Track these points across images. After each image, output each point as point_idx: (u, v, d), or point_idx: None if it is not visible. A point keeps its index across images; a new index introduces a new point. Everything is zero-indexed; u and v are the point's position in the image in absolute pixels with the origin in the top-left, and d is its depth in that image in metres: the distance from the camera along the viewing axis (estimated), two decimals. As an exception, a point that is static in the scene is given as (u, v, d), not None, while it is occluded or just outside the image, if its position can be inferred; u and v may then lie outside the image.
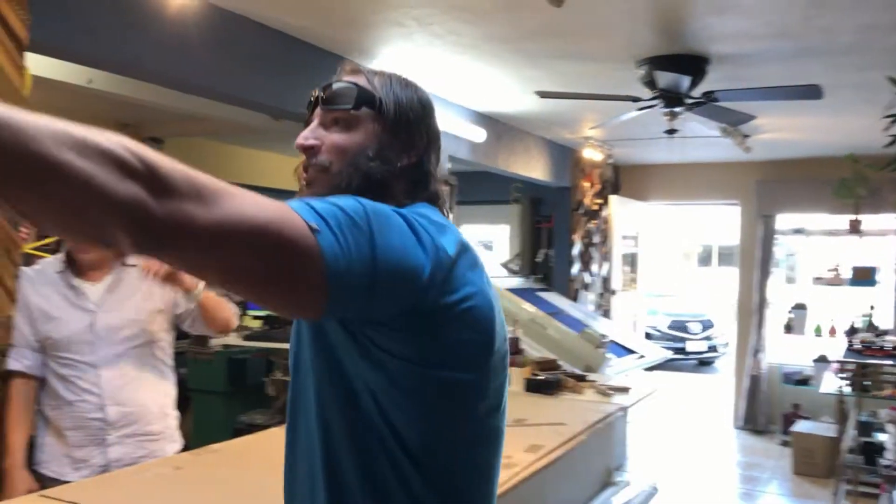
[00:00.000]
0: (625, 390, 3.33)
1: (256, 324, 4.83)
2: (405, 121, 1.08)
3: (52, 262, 2.37)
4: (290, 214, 0.83)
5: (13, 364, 2.25)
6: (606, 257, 7.40)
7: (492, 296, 1.04)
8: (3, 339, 2.26)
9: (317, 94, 1.12)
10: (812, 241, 7.43)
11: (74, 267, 2.32)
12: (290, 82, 3.70)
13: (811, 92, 3.62)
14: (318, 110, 1.11)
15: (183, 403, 5.40)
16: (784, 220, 7.31)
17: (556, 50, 3.82)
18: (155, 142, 5.96)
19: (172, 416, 2.44)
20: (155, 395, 2.35)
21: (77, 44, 2.73)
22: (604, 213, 7.31)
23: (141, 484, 2.00)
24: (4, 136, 0.63)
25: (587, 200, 7.10)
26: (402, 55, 3.99)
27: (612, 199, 7.40)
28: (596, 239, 7.22)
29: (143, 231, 0.72)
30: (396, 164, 1.06)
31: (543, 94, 4.27)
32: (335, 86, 1.10)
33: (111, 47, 2.84)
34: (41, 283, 2.30)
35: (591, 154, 6.78)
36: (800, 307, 7.22)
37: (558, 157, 6.82)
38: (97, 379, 2.22)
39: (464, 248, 1.00)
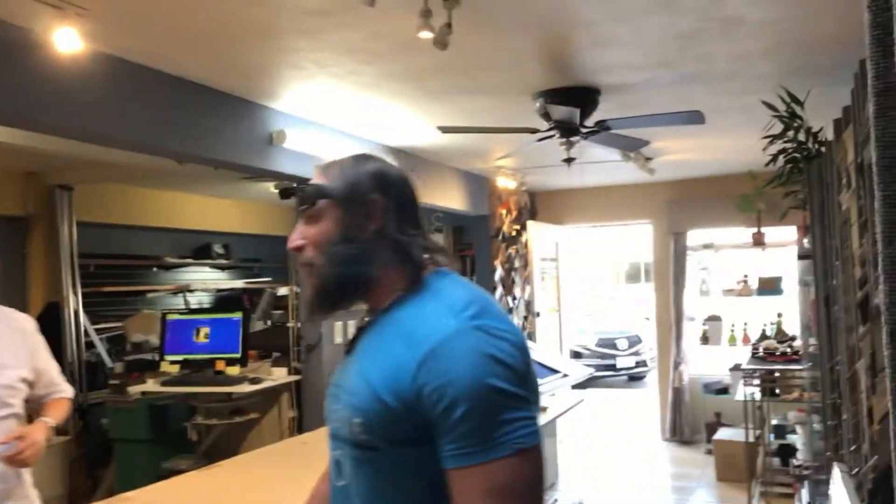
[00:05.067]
0: (543, 409, 3.43)
1: (174, 369, 4.77)
2: (358, 195, 1.17)
3: None
4: None
5: None
6: (528, 281, 7.56)
7: None
8: None
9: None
10: (721, 255, 7.75)
11: None
12: (194, 127, 3.72)
13: (694, 117, 3.84)
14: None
15: (105, 454, 5.31)
16: (694, 236, 7.63)
17: (455, 86, 3.95)
18: (64, 189, 5.86)
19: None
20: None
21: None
22: (523, 238, 7.49)
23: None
24: None
25: (505, 227, 7.27)
26: (305, 96, 4.06)
27: (530, 224, 7.60)
28: (517, 263, 7.39)
29: None
30: (361, 237, 1.15)
31: (445, 130, 4.39)
32: (302, 189, 1.22)
33: (8, 103, 2.83)
34: None
35: (505, 182, 6.96)
36: (714, 318, 7.50)
37: (474, 186, 6.98)
38: None
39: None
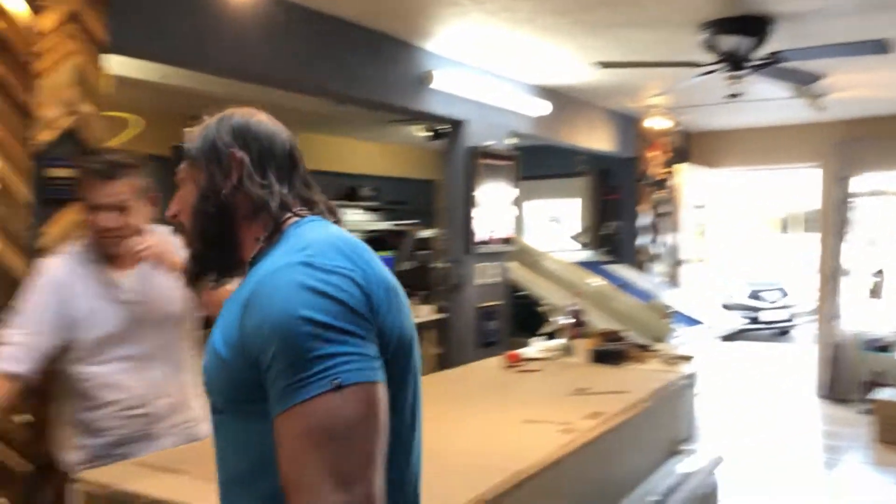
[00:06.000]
0: (687, 359, 3.33)
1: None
2: (213, 151, 1.14)
3: (72, 256, 2.09)
4: None
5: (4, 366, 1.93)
6: (675, 227, 7.29)
7: None
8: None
9: None
10: (893, 201, 7.13)
11: (103, 259, 2.09)
12: (352, 67, 3.80)
13: (877, 47, 3.50)
14: None
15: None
16: (861, 182, 7.03)
17: (616, 18, 3.79)
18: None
19: (202, 398, 2.28)
20: (191, 379, 2.23)
21: (150, 44, 2.89)
22: (672, 182, 7.20)
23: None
24: None
25: (653, 170, 7.00)
26: (457, 35, 4.04)
27: (681, 167, 7.28)
28: (664, 209, 7.12)
29: None
30: (220, 194, 1.12)
31: (605, 65, 4.25)
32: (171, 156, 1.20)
33: (181, 45, 3.00)
34: (67, 281, 2.04)
35: (656, 122, 6.67)
36: (882, 272, 6.97)
37: (623, 127, 6.75)
38: (139, 373, 2.09)
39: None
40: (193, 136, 1.18)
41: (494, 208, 5.09)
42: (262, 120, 1.19)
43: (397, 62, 4.11)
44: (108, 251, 2.07)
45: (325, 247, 1.02)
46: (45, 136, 2.32)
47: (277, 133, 1.19)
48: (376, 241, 7.86)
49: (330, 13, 3.62)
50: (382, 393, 0.96)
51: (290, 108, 5.38)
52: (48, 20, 2.33)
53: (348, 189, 7.97)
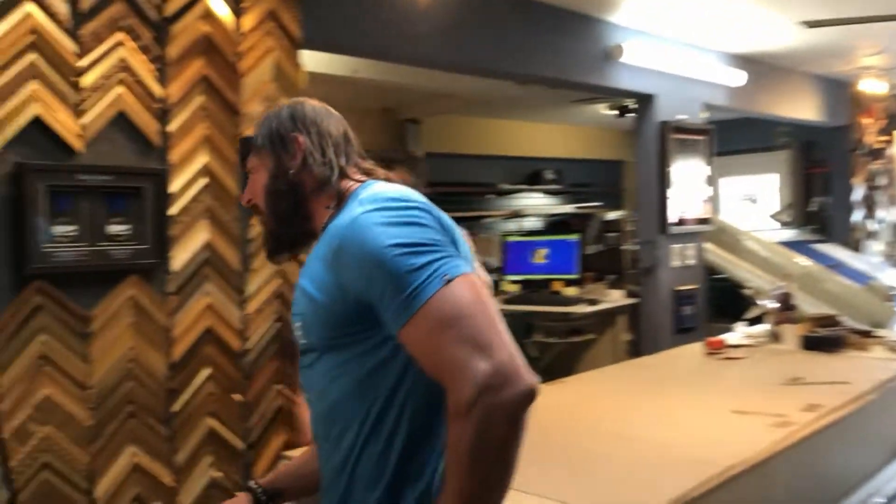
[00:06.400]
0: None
1: (514, 287, 4.97)
2: (277, 138, 1.30)
3: None
4: None
5: None
6: (893, 201, 6.55)
7: None
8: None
9: None
10: None
11: None
12: (533, 46, 3.74)
13: None
14: None
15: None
16: None
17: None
18: (413, 122, 6.35)
19: None
20: None
21: (343, 37, 2.99)
22: (890, 151, 6.47)
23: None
24: None
25: (869, 138, 6.33)
26: (644, 4, 3.84)
27: (901, 134, 6.52)
28: (881, 181, 6.42)
29: None
30: (288, 174, 1.27)
31: (812, 24, 3.87)
32: (238, 149, 1.42)
33: (372, 37, 3.08)
34: None
35: (871, 85, 6.01)
36: None
37: (831, 92, 6.14)
38: None
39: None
40: (258, 128, 1.33)
41: (688, 187, 4.82)
42: (315, 106, 1.34)
43: (581, 38, 3.99)
44: None
45: (389, 193, 1.16)
46: (250, 131, 2.47)
47: (331, 115, 1.34)
48: (560, 224, 7.74)
49: (511, -7, 3.58)
50: (479, 282, 1.08)
51: (475, 95, 5.41)
52: (249, 20, 2.46)
53: (531, 173, 7.92)
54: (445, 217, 1.17)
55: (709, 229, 5.07)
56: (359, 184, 1.26)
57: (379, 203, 1.13)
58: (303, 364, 1.26)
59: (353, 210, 1.15)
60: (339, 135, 1.32)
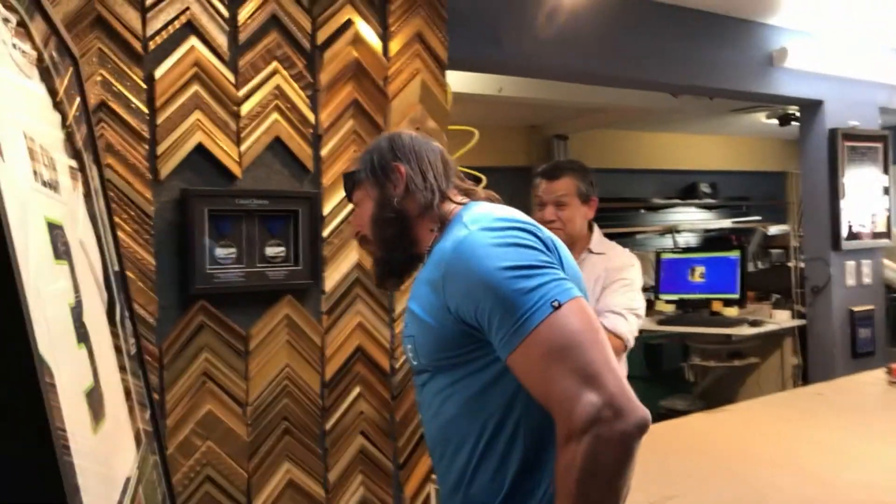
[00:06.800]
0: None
1: (669, 308, 4.75)
2: (380, 168, 1.35)
3: None
4: None
5: None
6: None
7: None
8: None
9: None
10: None
11: None
12: (687, 55, 3.56)
13: None
14: None
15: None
16: None
17: None
18: (560, 138, 6.26)
19: None
20: None
21: (487, 55, 2.97)
22: None
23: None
24: None
25: None
26: (812, 2, 3.57)
27: None
28: None
29: None
30: (393, 202, 1.32)
31: None
32: (344, 185, 1.47)
33: (517, 53, 3.03)
34: None
35: None
36: None
37: None
38: None
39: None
40: (359, 163, 1.40)
41: (861, 198, 4.42)
42: (413, 134, 1.39)
43: (741, 43, 3.77)
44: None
45: (494, 214, 1.18)
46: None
47: (428, 142, 1.39)
48: (718, 240, 7.38)
49: (662, 1, 3.43)
50: (588, 307, 1.08)
51: (625, 108, 5.26)
52: (396, 43, 2.49)
53: (686, 186, 7.59)
54: (550, 236, 1.18)
55: (888, 244, 4.62)
56: (460, 206, 1.30)
57: (483, 223, 1.15)
58: (416, 384, 1.31)
59: (457, 233, 1.17)
60: (438, 160, 1.37)
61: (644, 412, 1.00)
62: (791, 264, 4.87)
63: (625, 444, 0.98)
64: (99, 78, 1.97)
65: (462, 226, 1.18)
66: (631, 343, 2.27)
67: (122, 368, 1.34)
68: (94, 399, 0.98)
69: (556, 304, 1.03)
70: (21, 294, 0.62)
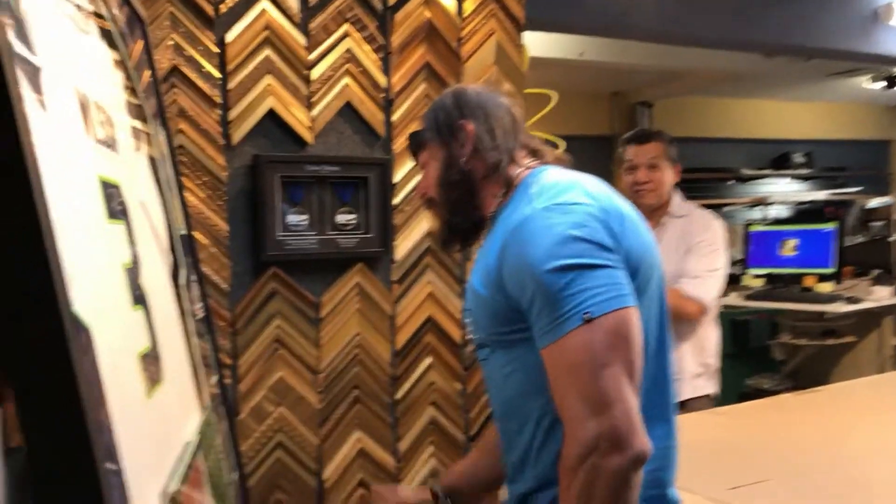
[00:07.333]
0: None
1: (758, 282, 4.54)
2: (446, 127, 1.28)
3: None
4: None
5: None
6: None
7: None
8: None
9: None
10: None
11: None
12: (782, 11, 3.36)
13: None
14: None
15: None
16: None
17: None
18: (645, 105, 6.05)
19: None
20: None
21: (568, 16, 2.85)
22: None
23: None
24: None
25: None
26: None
27: None
28: None
29: None
30: (460, 162, 1.26)
31: None
32: (408, 145, 1.41)
33: (599, 14, 2.92)
34: None
35: None
36: None
37: None
38: None
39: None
40: (424, 121, 1.34)
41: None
42: (479, 89, 1.33)
43: (840, 0, 3.52)
44: (638, 204, 2.26)
45: (560, 189, 1.14)
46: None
47: (495, 96, 1.31)
48: (812, 212, 7.02)
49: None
50: (635, 317, 1.05)
51: (713, 72, 5.04)
52: (470, 3, 2.40)
53: (778, 156, 7.25)
54: (621, 212, 1.14)
55: None
56: (528, 170, 1.25)
57: (546, 200, 1.12)
58: (479, 359, 1.29)
59: (522, 209, 1.14)
60: (506, 115, 1.30)
61: (643, 446, 1.00)
62: (893, 238, 4.60)
63: (619, 477, 0.99)
64: (171, 42, 1.96)
65: (527, 199, 1.15)
66: (710, 305, 2.36)
67: (187, 332, 1.33)
68: (150, 362, 0.96)
69: (587, 316, 1.02)
70: (50, 250, 0.58)
